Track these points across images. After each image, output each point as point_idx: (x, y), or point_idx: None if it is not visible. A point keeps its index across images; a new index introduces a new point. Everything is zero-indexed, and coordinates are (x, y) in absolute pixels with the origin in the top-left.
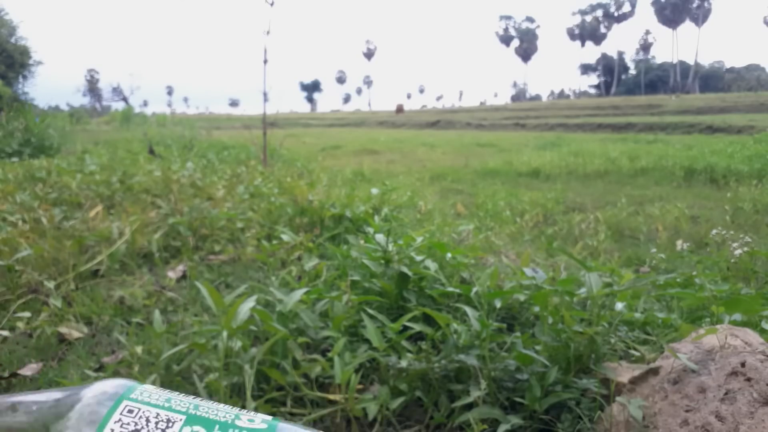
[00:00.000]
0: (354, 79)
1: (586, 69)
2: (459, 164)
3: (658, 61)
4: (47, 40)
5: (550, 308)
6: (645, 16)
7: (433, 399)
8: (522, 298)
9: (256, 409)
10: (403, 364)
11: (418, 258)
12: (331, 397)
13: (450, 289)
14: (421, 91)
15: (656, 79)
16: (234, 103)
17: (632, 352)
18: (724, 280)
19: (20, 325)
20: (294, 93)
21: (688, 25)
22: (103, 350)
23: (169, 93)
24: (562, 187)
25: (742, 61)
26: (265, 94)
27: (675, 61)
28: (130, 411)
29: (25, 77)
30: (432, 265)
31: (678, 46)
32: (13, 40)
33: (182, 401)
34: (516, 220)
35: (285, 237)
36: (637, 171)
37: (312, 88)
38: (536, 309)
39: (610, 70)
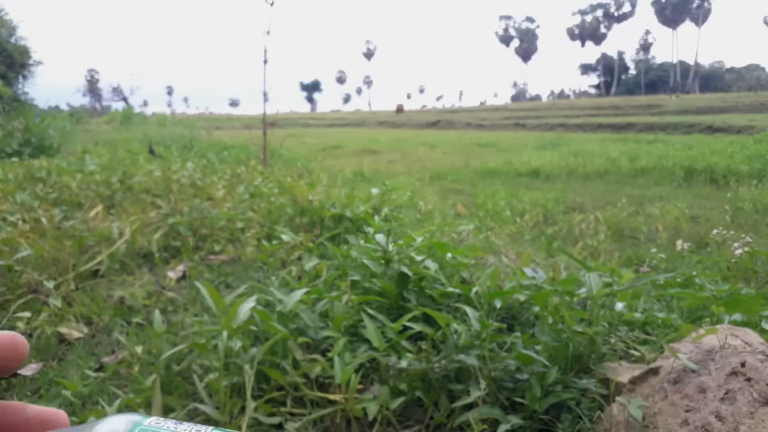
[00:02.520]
0: (354, 79)
1: (586, 69)
2: (459, 164)
3: (658, 61)
4: (47, 40)
5: (550, 308)
6: (645, 16)
7: (433, 399)
8: (522, 298)
9: (256, 409)
10: (403, 364)
11: (418, 258)
12: (331, 397)
13: (450, 289)
14: (421, 91)
15: (656, 79)
16: (234, 103)
17: (632, 352)
18: (724, 280)
19: (20, 325)
20: (294, 93)
21: (688, 25)
22: (103, 350)
23: (169, 93)
24: (562, 187)
25: (742, 61)
26: (265, 94)
27: (675, 61)
28: None
29: (25, 77)
30: (432, 265)
31: (678, 46)
32: (13, 40)
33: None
34: (516, 220)
35: (285, 237)
36: (637, 171)
37: (312, 88)
38: (536, 309)
39: (610, 70)
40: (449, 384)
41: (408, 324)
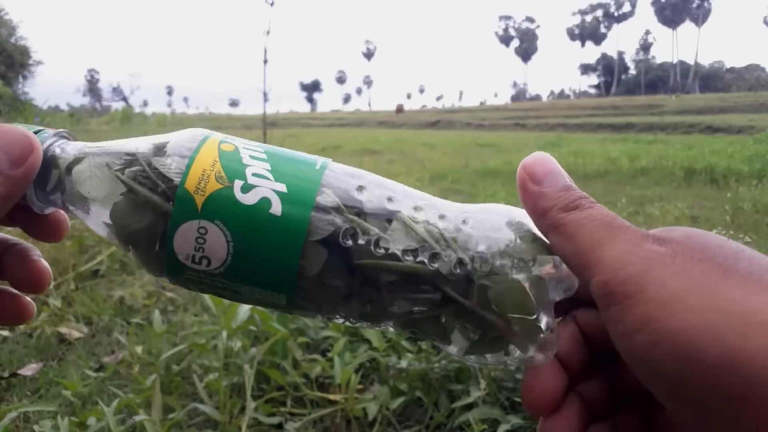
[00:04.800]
0: (354, 79)
1: (586, 69)
2: (459, 164)
3: (658, 61)
4: (47, 40)
5: None
6: (645, 16)
7: (433, 399)
8: None
9: (256, 409)
10: (403, 364)
11: None
12: (331, 397)
13: None
14: (421, 91)
15: (656, 79)
16: (234, 103)
17: None
18: None
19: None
20: (294, 93)
21: (688, 25)
22: (103, 350)
23: (169, 93)
24: None
25: (742, 61)
26: (265, 94)
27: (675, 61)
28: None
29: (25, 77)
30: None
31: (678, 46)
32: (13, 40)
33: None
34: None
35: None
36: (637, 171)
37: (312, 88)
38: None
39: (610, 70)
40: (449, 384)
41: None
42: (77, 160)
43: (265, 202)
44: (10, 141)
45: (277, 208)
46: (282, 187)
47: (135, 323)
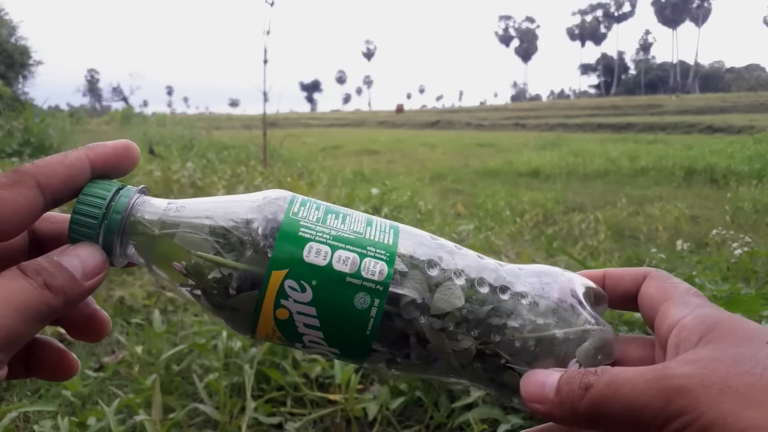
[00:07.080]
0: (354, 79)
1: (586, 69)
2: (459, 164)
3: (658, 61)
4: (47, 40)
5: None
6: (645, 16)
7: (433, 399)
8: None
9: (256, 409)
10: None
11: None
12: (331, 397)
13: None
14: (421, 91)
15: (656, 79)
16: (234, 103)
17: None
18: (724, 280)
19: None
20: (294, 93)
21: (688, 25)
22: (103, 350)
23: (169, 93)
24: (562, 187)
25: (742, 61)
26: (265, 94)
27: (675, 61)
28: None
29: (25, 77)
30: None
31: (678, 46)
32: (13, 40)
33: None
34: (516, 220)
35: None
36: (637, 171)
37: (312, 88)
38: None
39: (610, 70)
40: (449, 384)
41: None
42: (151, 239)
43: (324, 354)
44: (89, 256)
45: (334, 357)
46: (335, 350)
47: (135, 323)
